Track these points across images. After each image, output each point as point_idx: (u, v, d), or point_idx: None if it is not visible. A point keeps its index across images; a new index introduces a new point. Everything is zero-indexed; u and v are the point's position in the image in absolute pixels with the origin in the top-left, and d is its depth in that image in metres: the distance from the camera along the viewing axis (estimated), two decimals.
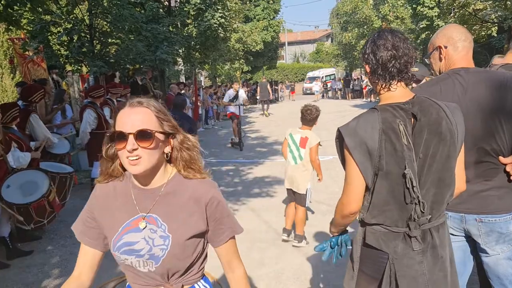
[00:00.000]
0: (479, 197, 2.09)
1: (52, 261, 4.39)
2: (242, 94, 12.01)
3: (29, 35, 8.12)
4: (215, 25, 11.94)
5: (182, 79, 22.02)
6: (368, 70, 1.76)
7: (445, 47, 2.24)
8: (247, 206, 6.04)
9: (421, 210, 1.61)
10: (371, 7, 27.27)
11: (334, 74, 40.13)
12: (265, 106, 20.79)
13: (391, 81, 1.69)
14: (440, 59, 2.28)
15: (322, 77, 37.60)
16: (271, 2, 27.82)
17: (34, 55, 8.01)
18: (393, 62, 1.66)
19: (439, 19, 15.12)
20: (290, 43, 56.69)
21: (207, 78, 25.01)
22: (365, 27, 28.31)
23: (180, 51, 11.96)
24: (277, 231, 4.94)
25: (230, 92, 11.96)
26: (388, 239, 1.68)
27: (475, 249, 2.23)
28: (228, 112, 11.97)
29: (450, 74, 2.17)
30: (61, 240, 5.02)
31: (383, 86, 1.71)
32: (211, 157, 10.25)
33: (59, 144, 6.41)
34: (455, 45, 2.22)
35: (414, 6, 16.34)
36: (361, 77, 29.50)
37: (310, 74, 40.84)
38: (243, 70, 28.64)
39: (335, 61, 37.84)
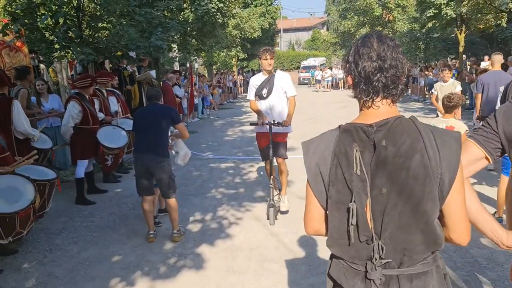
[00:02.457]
0: None
1: (26, 284, 3.74)
2: (285, 83, 5.18)
3: (9, 18, 7.33)
4: (213, 10, 11.14)
5: (176, 66, 21.22)
6: (350, 82, 1.51)
7: None
8: (251, 214, 5.41)
9: (378, 253, 1.42)
10: None
11: (324, 63, 39.10)
12: None
13: (374, 97, 1.46)
14: None
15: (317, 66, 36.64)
16: None
17: (14, 39, 7.24)
18: (378, 75, 1.43)
19: (448, 7, 14.40)
20: (285, 30, 55.90)
21: (202, 66, 24.13)
22: (365, 15, 27.53)
23: (176, 37, 11.18)
24: (289, 248, 4.32)
25: (256, 79, 5.30)
26: (350, 276, 1.50)
27: None
28: (256, 131, 5.48)
29: None
30: (39, 254, 4.37)
31: (364, 102, 1.49)
32: (208, 151, 9.62)
33: (40, 138, 5.76)
34: None
35: None
36: None
37: (305, 63, 39.73)
38: (239, 58, 27.82)
39: (333, 50, 37.00)
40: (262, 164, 8.26)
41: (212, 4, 11.04)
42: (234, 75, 27.27)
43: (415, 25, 20.01)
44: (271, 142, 5.00)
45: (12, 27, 7.29)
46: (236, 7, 12.77)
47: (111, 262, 4.16)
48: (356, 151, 1.42)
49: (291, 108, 5.14)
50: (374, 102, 1.47)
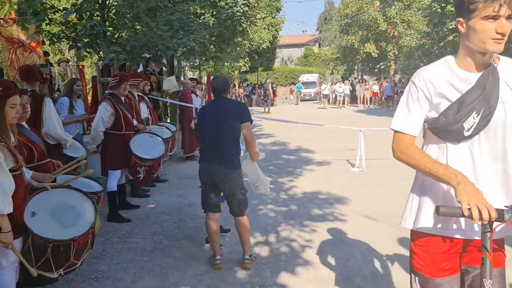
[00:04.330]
0: None
1: None
2: None
3: (30, 12, 6.56)
4: (238, 14, 10.47)
5: (188, 74, 20.62)
6: None
7: None
8: (320, 235, 4.64)
9: None
10: (378, 9, 26.25)
11: (319, 79, 38.61)
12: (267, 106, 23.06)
13: None
14: None
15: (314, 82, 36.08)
16: None
17: (35, 34, 6.48)
18: None
19: None
20: (278, 46, 56.54)
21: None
22: (369, 29, 27.31)
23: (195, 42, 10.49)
24: (400, 271, 3.58)
25: (441, 79, 1.73)
26: None
27: None
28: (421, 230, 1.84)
29: None
30: (84, 284, 3.56)
31: None
32: None
33: (72, 145, 4.99)
34: None
35: (442, 5, 15.13)
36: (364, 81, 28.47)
37: (303, 79, 38.94)
38: (241, 70, 27.27)
39: (334, 65, 36.69)
40: (302, 178, 7.57)
41: (237, 7, 10.39)
42: (236, 88, 26.66)
43: (426, 40, 19.69)
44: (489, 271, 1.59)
45: (32, 22, 6.55)
46: (261, 11, 12.18)
47: None
48: None
49: None
50: None
